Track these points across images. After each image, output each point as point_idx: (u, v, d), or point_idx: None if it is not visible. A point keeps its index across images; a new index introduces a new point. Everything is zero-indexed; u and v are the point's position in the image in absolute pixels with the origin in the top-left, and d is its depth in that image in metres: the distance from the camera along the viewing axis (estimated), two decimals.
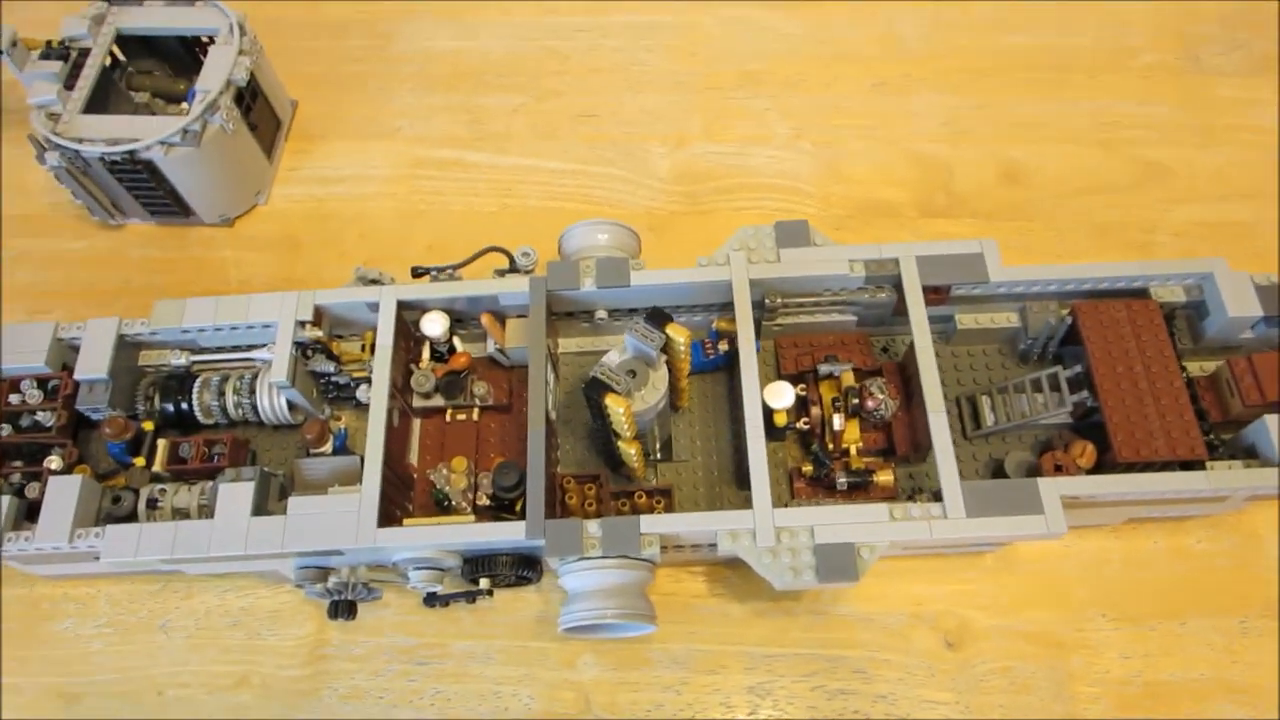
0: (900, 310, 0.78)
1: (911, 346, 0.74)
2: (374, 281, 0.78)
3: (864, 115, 1.03)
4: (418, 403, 0.78)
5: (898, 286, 0.77)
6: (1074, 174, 0.99)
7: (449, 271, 0.79)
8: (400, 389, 0.75)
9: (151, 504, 0.71)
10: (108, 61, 0.94)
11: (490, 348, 0.79)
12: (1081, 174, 0.99)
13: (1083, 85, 1.05)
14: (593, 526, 0.66)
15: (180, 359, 0.79)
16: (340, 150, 1.02)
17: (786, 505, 0.69)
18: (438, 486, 0.73)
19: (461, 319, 0.79)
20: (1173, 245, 0.94)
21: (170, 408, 0.77)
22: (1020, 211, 0.96)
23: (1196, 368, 0.80)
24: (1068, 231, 0.95)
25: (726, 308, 0.78)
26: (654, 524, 0.66)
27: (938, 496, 0.68)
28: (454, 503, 0.73)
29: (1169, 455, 0.70)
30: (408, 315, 0.77)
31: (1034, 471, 0.74)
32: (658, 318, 0.68)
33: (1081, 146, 1.00)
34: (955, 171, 0.99)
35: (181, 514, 0.71)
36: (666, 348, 0.69)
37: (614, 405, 0.65)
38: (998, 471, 0.78)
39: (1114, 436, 0.71)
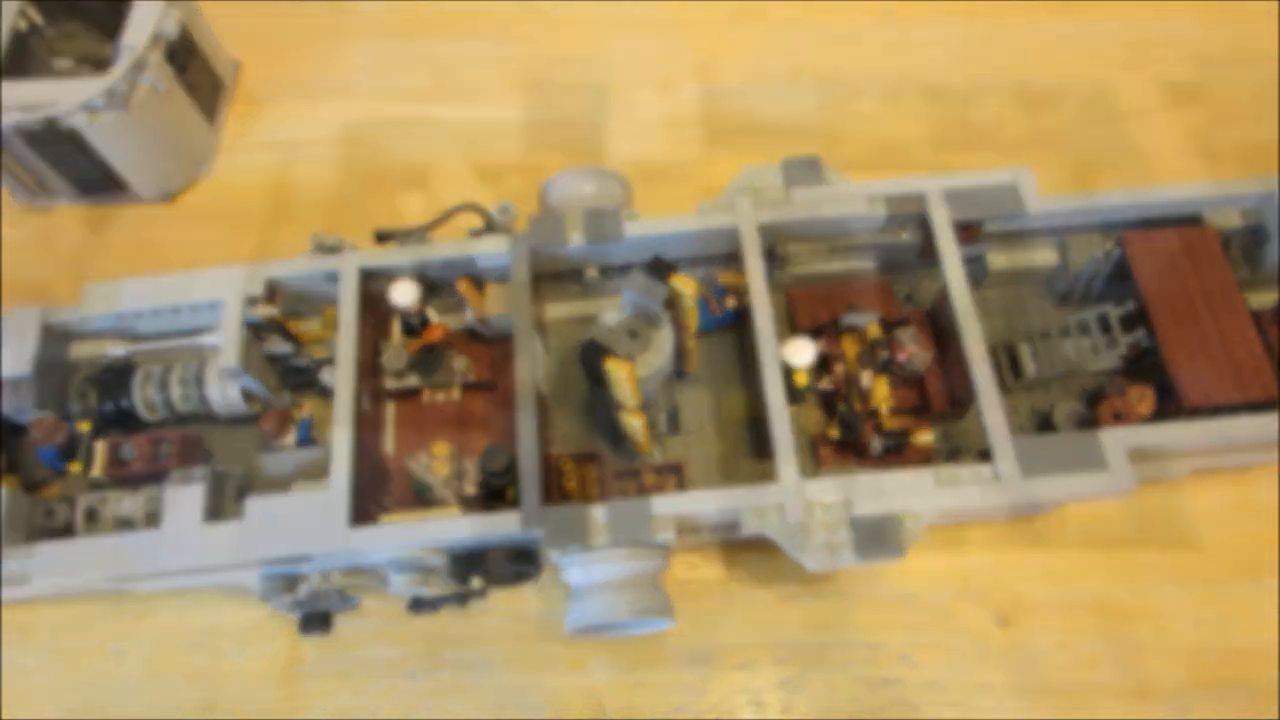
0: (925, 252, 0.71)
1: (942, 291, 0.68)
2: (333, 249, 0.70)
3: (869, 46, 0.97)
4: (390, 383, 0.72)
5: (922, 225, 0.72)
6: (1100, 100, 0.93)
7: (417, 234, 0.72)
8: (369, 369, 0.70)
9: (91, 515, 0.67)
10: (23, 25, 0.87)
11: (469, 318, 0.74)
12: (1108, 100, 0.93)
13: (1104, 5, 0.97)
14: (597, 512, 0.61)
15: (118, 349, 0.73)
16: (291, 112, 0.95)
17: (814, 475, 0.62)
18: (418, 476, 0.69)
19: (434, 287, 0.74)
20: (1212, 171, 0.88)
21: (109, 405, 0.72)
22: (1044, 142, 0.91)
23: (1255, 300, 0.73)
24: (1096, 162, 0.89)
25: (731, 260, 0.72)
26: (667, 505, 0.61)
27: (984, 456, 0.62)
28: (437, 494, 0.69)
29: (1241, 397, 0.64)
30: (373, 285, 0.72)
31: (1087, 423, 0.68)
32: (659, 269, 0.61)
33: (1107, 70, 0.94)
34: (971, 102, 0.93)
35: (125, 524, 0.66)
36: (671, 302, 0.61)
37: (616, 370, 0.58)
38: (1043, 425, 0.71)
39: (1178, 380, 0.65)
